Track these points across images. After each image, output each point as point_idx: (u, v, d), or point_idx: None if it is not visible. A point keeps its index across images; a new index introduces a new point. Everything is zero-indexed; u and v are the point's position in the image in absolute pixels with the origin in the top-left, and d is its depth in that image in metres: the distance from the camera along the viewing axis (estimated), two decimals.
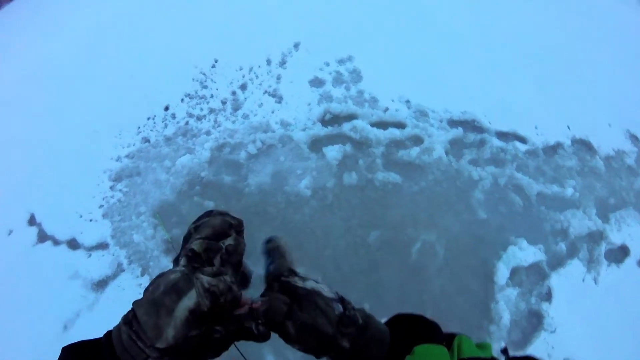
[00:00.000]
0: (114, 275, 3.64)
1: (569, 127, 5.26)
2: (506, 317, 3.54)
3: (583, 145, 5.25)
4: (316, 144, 4.22)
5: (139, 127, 4.40)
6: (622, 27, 9.74)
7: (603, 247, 4.23)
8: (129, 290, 3.55)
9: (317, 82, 4.73)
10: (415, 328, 0.74)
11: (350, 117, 4.48)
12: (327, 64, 4.93)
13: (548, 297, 3.76)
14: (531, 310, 3.68)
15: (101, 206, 3.96)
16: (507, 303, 3.62)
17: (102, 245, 3.78)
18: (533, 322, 3.65)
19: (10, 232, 4.11)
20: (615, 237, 4.33)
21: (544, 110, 5.34)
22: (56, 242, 3.92)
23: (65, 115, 4.73)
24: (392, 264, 3.61)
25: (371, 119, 4.49)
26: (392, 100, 4.73)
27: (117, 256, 3.69)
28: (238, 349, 1.13)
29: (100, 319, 3.46)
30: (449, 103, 4.87)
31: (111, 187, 4.04)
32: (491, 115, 4.96)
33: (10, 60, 6.15)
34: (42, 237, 3.99)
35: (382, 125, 4.50)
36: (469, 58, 5.60)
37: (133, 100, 4.57)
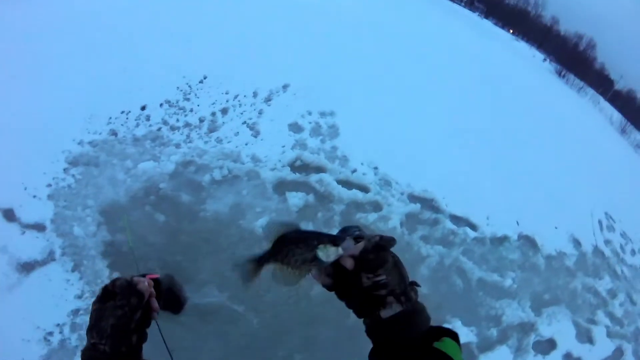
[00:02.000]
0: (43, 262, 3.39)
1: (517, 223, 5.63)
2: None
3: (528, 242, 5.60)
4: (281, 187, 4.25)
5: (110, 118, 4.27)
6: (593, 144, 10.71)
7: (532, 338, 4.46)
8: (54, 283, 3.31)
9: (295, 128, 4.83)
10: (445, 329, 0.84)
11: (319, 169, 4.58)
12: (310, 113, 5.07)
13: None
14: None
15: (49, 185, 3.74)
16: None
17: (39, 227, 3.54)
18: None
19: None
20: (545, 331, 4.58)
21: (499, 202, 5.71)
22: None
23: (44, 84, 4.50)
24: (330, 321, 3.62)
25: (338, 176, 4.61)
26: (362, 164, 4.89)
27: (51, 243, 3.46)
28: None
29: (17, 303, 3.20)
30: (413, 179, 5.11)
31: (65, 170, 3.84)
32: (449, 198, 5.23)
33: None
34: None
35: (347, 184, 4.62)
36: (441, 140, 5.96)
37: (114, 90, 4.45)
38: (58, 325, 3.17)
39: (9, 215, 3.59)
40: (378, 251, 0.81)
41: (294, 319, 3.59)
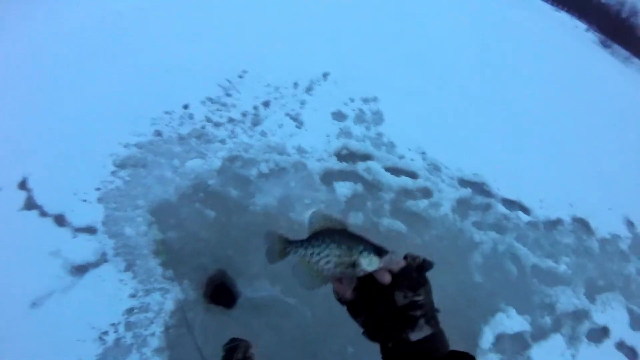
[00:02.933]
0: (97, 264, 3.44)
1: (571, 205, 5.33)
2: None
3: (582, 225, 5.30)
4: (328, 177, 4.15)
5: (154, 119, 4.29)
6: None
7: (586, 325, 4.23)
8: (108, 283, 3.35)
9: (339, 116, 4.71)
10: (462, 353, 0.80)
11: (366, 157, 4.45)
12: (352, 100, 4.94)
13: None
14: None
15: (98, 189, 3.79)
16: None
17: (91, 230, 3.59)
18: None
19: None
20: (599, 318, 4.34)
21: (551, 184, 5.42)
22: (43, 214, 3.71)
23: (88, 88, 4.57)
24: None
25: (386, 163, 4.46)
26: (409, 149, 4.72)
27: (103, 244, 3.50)
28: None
29: (72, 305, 3.22)
30: (463, 162, 4.90)
31: (113, 173, 3.88)
32: (500, 181, 4.99)
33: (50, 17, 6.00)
34: (30, 204, 3.77)
35: (395, 171, 4.47)
36: (489, 122, 5.70)
37: (157, 92, 4.46)
38: (113, 324, 3.18)
39: (60, 220, 3.66)
40: (421, 271, 0.80)
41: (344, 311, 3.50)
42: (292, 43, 5.36)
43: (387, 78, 5.37)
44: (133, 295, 3.27)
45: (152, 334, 3.16)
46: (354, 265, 0.77)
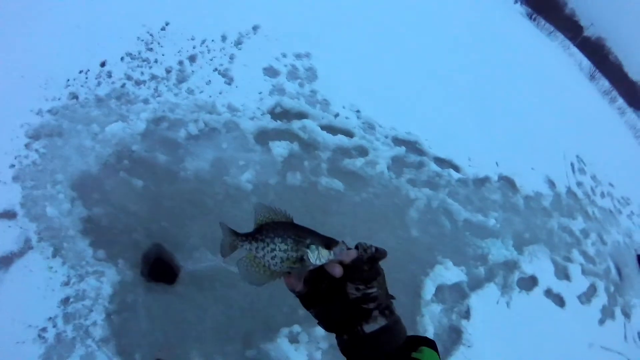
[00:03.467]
0: (21, 253, 3.10)
1: (497, 164, 5.60)
2: (430, 331, 3.67)
3: (508, 183, 5.62)
4: (263, 137, 3.99)
5: (69, 80, 3.83)
6: (565, 88, 10.80)
7: (516, 275, 4.60)
8: (37, 273, 3.04)
9: (271, 72, 4.50)
10: (422, 338, 0.82)
11: (301, 115, 4.31)
12: (284, 55, 4.72)
13: (467, 315, 3.97)
14: (452, 326, 3.86)
15: (12, 166, 3.36)
16: (431, 318, 3.75)
17: (9, 214, 3.21)
18: (453, 336, 3.83)
19: None
20: (527, 268, 4.76)
21: (479, 144, 5.65)
22: None
23: None
24: None
25: (321, 121, 4.36)
26: (344, 107, 4.65)
27: (25, 230, 3.15)
28: None
29: (1, 304, 2.97)
30: (396, 121, 4.92)
31: (27, 145, 3.45)
32: (432, 140, 5.10)
33: None
34: None
35: (331, 130, 4.39)
36: (420, 82, 5.75)
37: (69, 49, 3.97)
38: (50, 318, 2.94)
39: None
40: (373, 262, 0.79)
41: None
42: None
43: (321, 35, 5.17)
44: (66, 283, 3.03)
45: (94, 323, 2.96)
46: (302, 259, 0.75)
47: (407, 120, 4.99)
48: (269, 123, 4.02)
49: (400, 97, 5.28)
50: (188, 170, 3.59)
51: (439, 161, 5.05)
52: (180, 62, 4.19)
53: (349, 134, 4.46)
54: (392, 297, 0.82)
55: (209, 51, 4.35)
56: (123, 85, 3.90)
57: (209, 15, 4.61)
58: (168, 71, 4.09)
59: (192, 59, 4.24)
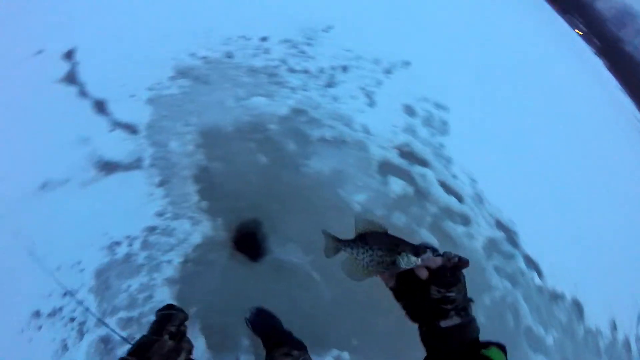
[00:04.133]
0: (128, 167, 3.10)
1: (576, 285, 5.27)
2: None
3: (577, 308, 5.25)
4: (385, 168, 3.89)
5: (229, 39, 3.93)
6: None
7: None
8: (135, 192, 3.02)
9: (410, 111, 4.45)
10: (494, 342, 0.90)
11: (424, 163, 4.21)
12: (426, 100, 4.68)
13: None
14: None
15: (151, 89, 3.43)
16: None
17: (132, 128, 3.24)
18: None
19: (40, 52, 3.51)
20: None
21: (567, 256, 5.35)
22: (83, 94, 3.36)
23: None
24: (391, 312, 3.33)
25: (440, 176, 4.24)
26: (463, 172, 4.53)
27: (142, 149, 3.16)
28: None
29: (88, 201, 2.93)
30: (505, 205, 4.74)
31: (171, 78, 3.52)
32: (529, 236, 4.87)
33: None
34: (71, 78, 3.41)
35: (445, 187, 4.26)
36: (543, 179, 5.57)
37: (237, 13, 4.10)
38: (129, 237, 2.86)
39: (100, 107, 3.30)
40: (455, 270, 0.89)
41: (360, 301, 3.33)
42: (387, 20, 5.04)
43: (464, 95, 5.13)
44: (160, 214, 2.96)
45: (169, 262, 2.87)
46: (394, 263, 0.88)
47: (514, 208, 4.78)
48: (395, 158, 3.93)
49: (518, 184, 5.09)
50: (310, 168, 3.52)
51: (528, 260, 4.78)
52: (333, 68, 4.21)
53: (460, 198, 4.30)
54: (471, 300, 0.91)
55: (361, 68, 4.36)
56: (277, 67, 3.94)
57: (370, 35, 4.67)
58: (320, 71, 4.12)
59: (344, 69, 4.26)
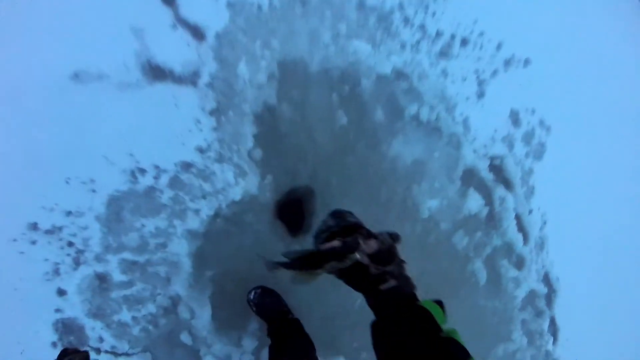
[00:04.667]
0: (180, 79, 2.39)
1: None
2: None
3: None
4: (470, 177, 3.22)
5: None
6: None
7: None
8: (180, 112, 2.37)
9: (515, 119, 3.69)
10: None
11: (509, 185, 3.53)
12: (533, 112, 3.91)
13: None
14: None
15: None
16: None
17: (198, 32, 2.44)
18: None
19: None
20: None
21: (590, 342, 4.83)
22: None
23: None
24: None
25: (518, 206, 3.59)
26: (539, 209, 3.86)
27: (202, 61, 2.43)
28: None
29: (119, 107, 2.30)
30: (559, 261, 4.13)
31: None
32: (564, 301, 4.32)
33: None
34: None
35: (518, 221, 3.63)
36: None
37: None
38: (157, 167, 2.29)
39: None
40: (390, 250, 1.04)
41: None
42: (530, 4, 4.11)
43: (576, 125, 4.33)
44: (202, 150, 2.33)
45: (196, 212, 2.32)
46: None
47: (565, 268, 4.17)
48: (483, 169, 3.27)
49: (577, 246, 4.44)
50: (390, 150, 2.85)
51: (552, 323, 4.23)
52: (453, 36, 3.40)
53: (526, 238, 3.68)
54: (404, 262, 1.06)
55: (480, 47, 3.55)
56: (391, 11, 3.13)
57: (505, 16, 3.79)
58: (438, 35, 3.31)
59: (464, 42, 3.45)
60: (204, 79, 2.45)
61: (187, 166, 2.32)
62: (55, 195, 2.15)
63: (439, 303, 0.99)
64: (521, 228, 3.63)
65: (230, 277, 2.48)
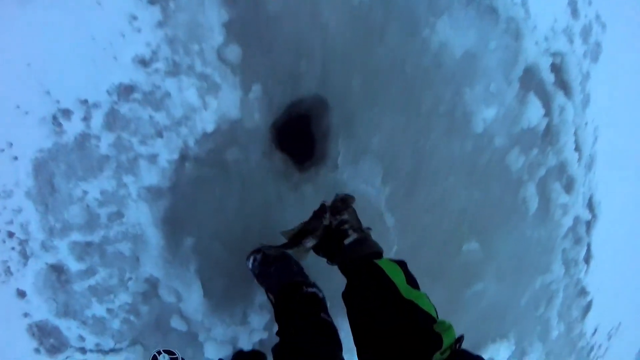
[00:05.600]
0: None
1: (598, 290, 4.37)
2: None
3: (587, 308, 4.45)
4: (531, 78, 2.47)
5: None
6: None
7: None
8: (103, 7, 1.48)
9: (573, 7, 2.89)
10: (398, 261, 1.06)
11: (568, 91, 2.81)
12: (590, 2, 3.12)
13: None
14: None
15: None
16: None
17: None
18: None
19: None
20: None
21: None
22: None
23: None
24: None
25: (576, 118, 2.90)
26: (593, 121, 3.18)
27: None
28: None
29: (23, 22, 1.38)
30: (604, 182, 3.56)
31: None
32: (603, 228, 3.81)
33: None
34: None
35: (576, 136, 2.97)
36: None
37: None
38: (85, 102, 1.48)
39: None
40: (343, 200, 1.18)
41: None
42: None
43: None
44: (144, 62, 1.54)
45: (152, 158, 1.59)
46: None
47: (608, 192, 3.60)
48: (545, 69, 2.55)
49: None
50: (435, 35, 2.05)
51: (588, 250, 3.79)
52: None
53: (580, 156, 3.06)
54: (369, 228, 1.18)
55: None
56: None
57: None
58: None
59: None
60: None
61: (126, 91, 1.46)
62: None
63: (401, 263, 1.01)
64: (577, 145, 2.96)
65: (219, 241, 1.82)
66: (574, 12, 2.86)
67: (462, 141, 2.25)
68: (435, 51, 2.07)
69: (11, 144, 1.45)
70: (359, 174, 2.04)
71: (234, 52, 1.62)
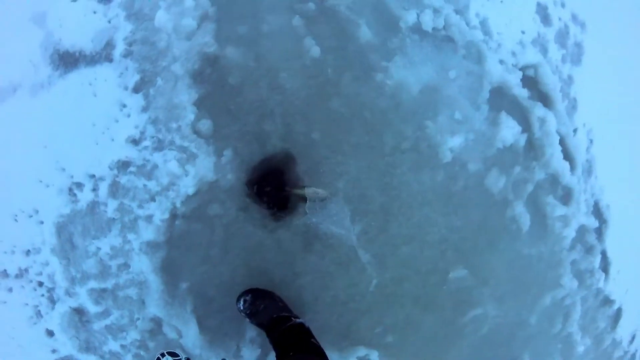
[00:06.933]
0: (92, 59, 1.84)
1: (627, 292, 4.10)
2: None
3: (616, 316, 4.17)
4: (499, 98, 2.44)
5: None
6: None
7: None
8: (100, 99, 1.88)
9: (543, 14, 2.82)
10: None
11: (548, 102, 2.73)
12: (563, 5, 3.02)
13: None
14: None
15: None
16: None
17: None
18: None
19: None
20: None
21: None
22: None
23: None
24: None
25: (560, 127, 2.81)
26: (585, 126, 3.07)
27: (114, 27, 1.89)
28: None
29: (38, 115, 1.92)
30: (609, 184, 3.38)
31: None
32: (616, 231, 3.60)
33: None
34: None
35: (564, 146, 2.87)
36: None
37: None
38: (92, 176, 1.96)
39: None
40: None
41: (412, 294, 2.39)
42: None
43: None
44: (133, 141, 1.82)
45: (148, 219, 1.96)
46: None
47: (616, 193, 3.42)
48: (515, 85, 2.48)
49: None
50: (389, 78, 2.06)
51: (603, 257, 3.51)
52: None
53: (573, 164, 2.93)
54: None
55: None
56: None
57: None
58: None
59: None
60: (119, 48, 1.90)
61: (124, 165, 1.93)
62: (10, 236, 2.06)
63: None
64: (567, 154, 2.86)
65: (210, 283, 2.11)
66: (545, 19, 2.81)
67: (432, 172, 2.23)
68: (391, 92, 2.07)
69: (37, 211, 1.95)
70: (327, 217, 2.10)
71: (205, 125, 1.95)
